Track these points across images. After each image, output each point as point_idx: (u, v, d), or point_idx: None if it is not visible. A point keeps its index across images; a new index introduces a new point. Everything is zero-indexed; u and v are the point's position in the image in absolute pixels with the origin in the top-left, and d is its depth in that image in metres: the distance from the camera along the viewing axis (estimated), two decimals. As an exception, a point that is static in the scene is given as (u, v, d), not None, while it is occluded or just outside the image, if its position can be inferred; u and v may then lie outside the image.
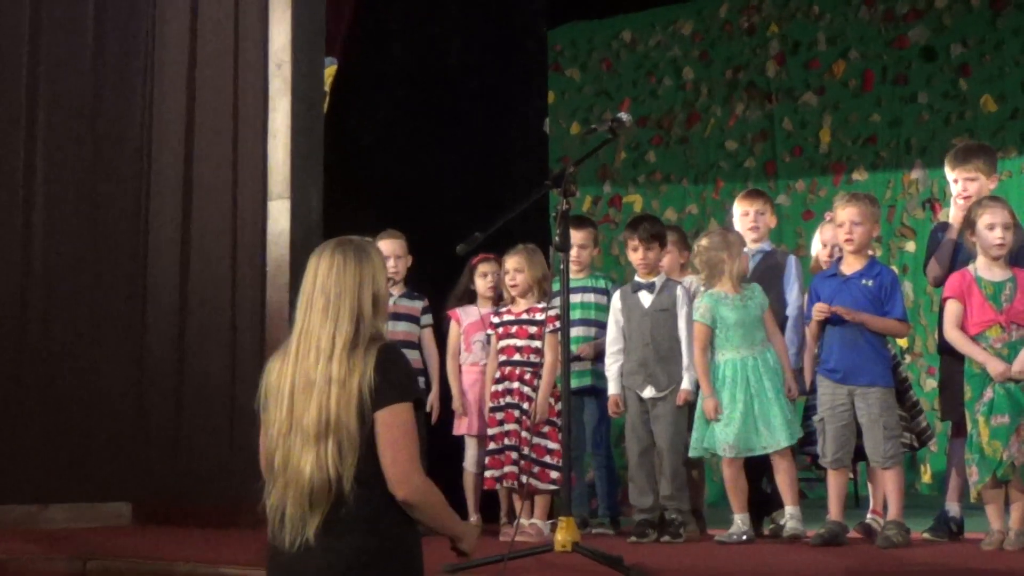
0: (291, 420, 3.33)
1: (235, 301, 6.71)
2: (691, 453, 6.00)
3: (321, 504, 3.27)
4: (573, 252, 6.38)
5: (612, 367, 6.27)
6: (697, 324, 5.96)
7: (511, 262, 6.39)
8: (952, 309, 5.52)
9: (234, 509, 6.41)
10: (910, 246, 9.74)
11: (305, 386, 3.32)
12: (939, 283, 5.91)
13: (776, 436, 5.81)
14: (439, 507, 3.45)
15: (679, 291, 6.19)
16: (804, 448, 6.13)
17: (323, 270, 3.41)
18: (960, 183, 5.99)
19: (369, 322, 3.36)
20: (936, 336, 5.98)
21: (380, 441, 3.30)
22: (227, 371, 6.68)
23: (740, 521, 5.87)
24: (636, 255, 6.24)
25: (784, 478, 5.86)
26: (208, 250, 6.83)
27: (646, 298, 6.21)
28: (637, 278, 6.29)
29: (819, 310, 5.77)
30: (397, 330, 6.45)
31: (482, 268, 6.69)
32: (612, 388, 6.27)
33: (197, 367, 6.79)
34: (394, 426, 3.31)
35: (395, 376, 3.34)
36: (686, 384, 6.08)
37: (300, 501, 3.28)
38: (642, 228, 6.23)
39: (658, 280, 6.24)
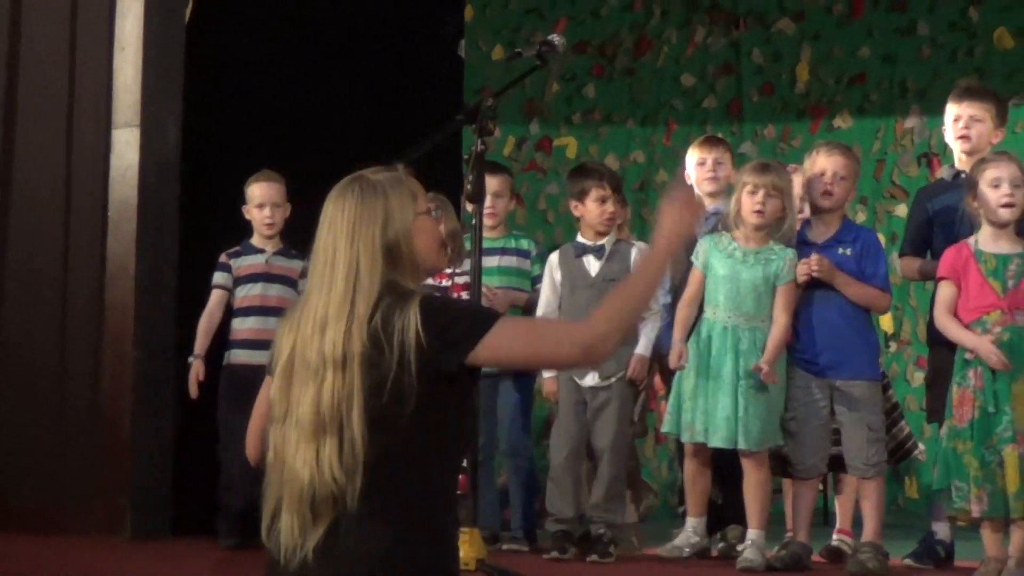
0: (287, 404, 3.27)
1: (67, 255, 6.69)
2: (663, 428, 6.01)
3: (325, 515, 3.20)
4: (487, 202, 6.44)
5: None
6: (693, 267, 5.95)
7: (416, 216, 6.42)
8: (944, 292, 5.59)
9: (61, 512, 6.42)
10: (901, 210, 9.82)
11: (303, 365, 3.26)
12: (919, 275, 6.15)
13: (753, 434, 5.74)
14: (622, 305, 3.55)
15: (634, 253, 6.20)
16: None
17: (326, 218, 3.37)
18: (962, 121, 6.08)
19: (372, 279, 3.27)
20: (927, 321, 6.10)
21: (511, 361, 3.87)
22: (54, 344, 6.67)
23: (692, 528, 5.90)
24: (604, 208, 6.24)
25: (754, 492, 5.82)
26: (33, 192, 6.80)
27: (593, 265, 6.24)
28: (581, 239, 6.34)
29: (802, 271, 5.78)
30: (270, 294, 6.48)
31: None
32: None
33: (15, 339, 6.77)
34: (505, 340, 3.30)
35: (452, 315, 3.27)
36: (641, 348, 6.10)
37: (299, 509, 3.21)
38: (610, 175, 6.31)
39: (607, 242, 6.27)
